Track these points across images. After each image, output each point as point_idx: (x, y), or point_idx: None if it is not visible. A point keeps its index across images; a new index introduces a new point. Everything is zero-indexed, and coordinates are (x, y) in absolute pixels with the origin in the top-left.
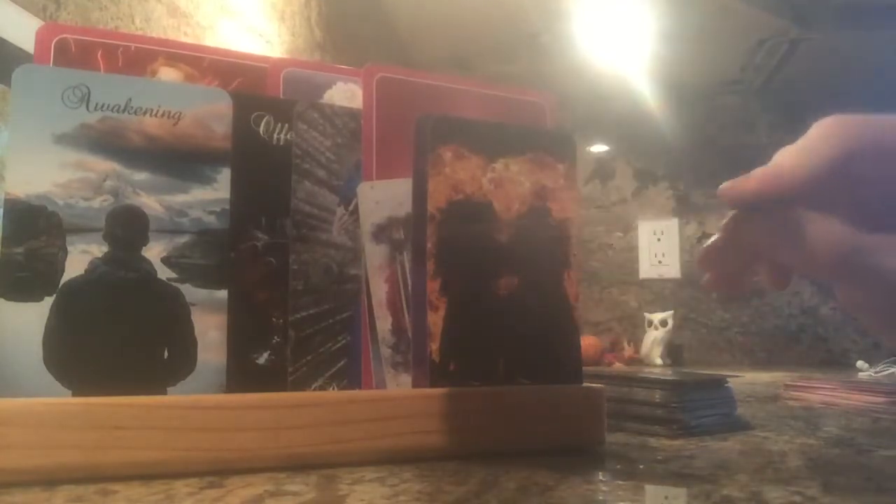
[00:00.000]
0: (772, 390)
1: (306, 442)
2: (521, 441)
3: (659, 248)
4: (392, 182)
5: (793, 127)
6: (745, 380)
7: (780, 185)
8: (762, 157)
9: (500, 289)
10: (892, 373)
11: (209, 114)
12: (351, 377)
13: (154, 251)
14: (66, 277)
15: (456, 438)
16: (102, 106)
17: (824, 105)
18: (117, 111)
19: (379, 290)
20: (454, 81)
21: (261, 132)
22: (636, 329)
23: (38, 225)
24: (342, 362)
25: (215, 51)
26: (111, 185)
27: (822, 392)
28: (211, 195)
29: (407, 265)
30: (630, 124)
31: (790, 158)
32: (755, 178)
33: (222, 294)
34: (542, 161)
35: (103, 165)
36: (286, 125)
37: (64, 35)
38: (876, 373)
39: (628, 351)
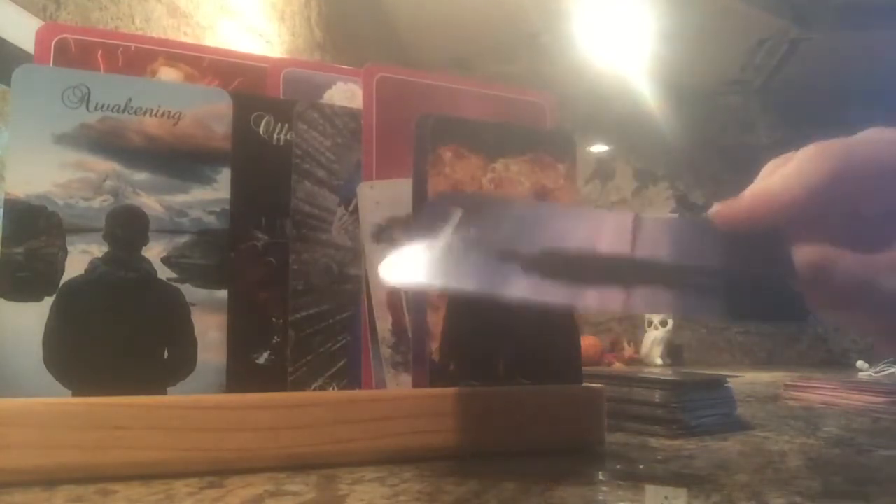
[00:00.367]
0: (772, 390)
1: (306, 442)
2: (521, 441)
3: None
4: (392, 182)
5: (793, 127)
6: (745, 380)
7: (773, 207)
8: (762, 157)
9: None
10: (892, 373)
11: (209, 114)
12: (351, 377)
13: (154, 251)
14: (66, 277)
15: (456, 438)
16: (102, 106)
17: (824, 105)
18: (117, 111)
19: (379, 290)
20: (454, 81)
21: (261, 132)
22: (636, 329)
23: (38, 225)
24: (342, 362)
25: (215, 51)
26: (111, 185)
27: (822, 392)
28: (211, 195)
29: None
30: (630, 124)
31: (781, 180)
32: (747, 201)
33: (222, 294)
34: (542, 161)
35: (103, 165)
36: (286, 125)
37: (64, 35)
38: (876, 373)
39: (628, 351)
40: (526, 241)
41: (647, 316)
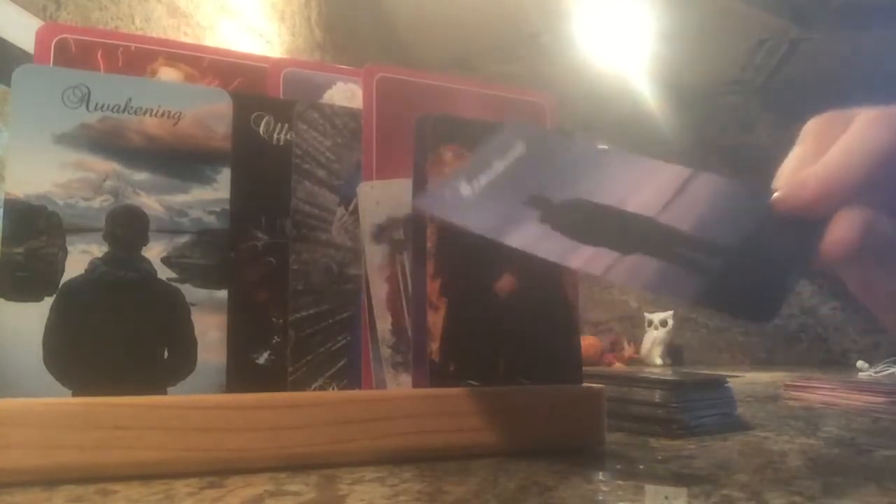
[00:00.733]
0: (772, 390)
1: (306, 442)
2: (521, 441)
3: None
4: (392, 182)
5: (793, 127)
6: (745, 380)
7: (843, 189)
8: (762, 156)
9: (500, 289)
10: (892, 373)
11: (209, 114)
12: (351, 377)
13: (154, 251)
14: (66, 277)
15: (456, 438)
16: (102, 106)
17: (824, 105)
18: (117, 111)
19: (379, 290)
20: (454, 81)
21: (261, 132)
22: (636, 329)
23: (38, 225)
24: (342, 362)
25: (215, 51)
26: (111, 185)
27: (822, 392)
28: (211, 195)
29: (407, 265)
30: (630, 124)
31: (843, 157)
32: (814, 187)
33: (222, 294)
34: None
35: (103, 165)
36: (286, 125)
37: (64, 35)
38: (876, 373)
39: (628, 351)
40: (565, 186)
41: (648, 316)
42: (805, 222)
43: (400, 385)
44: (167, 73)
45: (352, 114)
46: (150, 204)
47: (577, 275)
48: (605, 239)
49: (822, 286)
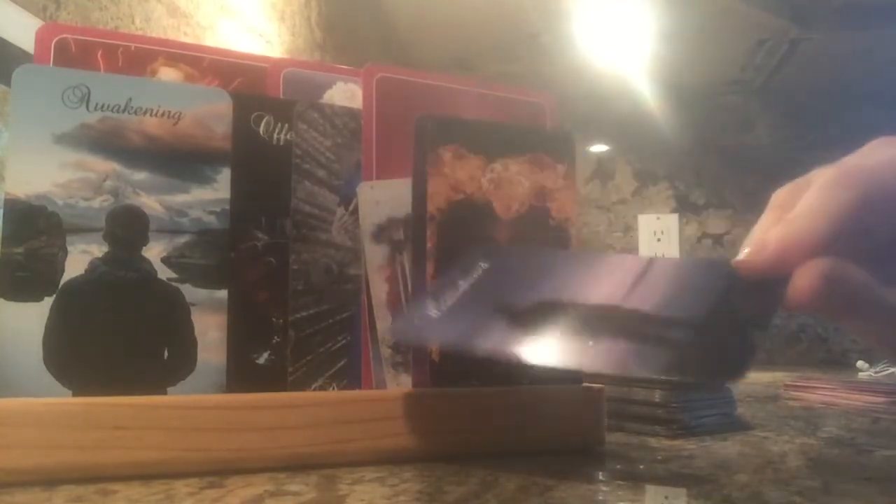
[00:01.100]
0: (772, 390)
1: (306, 442)
2: (521, 441)
3: (659, 248)
4: (392, 182)
5: (792, 127)
6: (745, 380)
7: (802, 250)
8: (762, 157)
9: None
10: (892, 373)
11: (209, 114)
12: (351, 377)
13: (154, 251)
14: (66, 277)
15: (456, 438)
16: (102, 106)
17: (824, 105)
18: (117, 111)
19: (379, 290)
20: (454, 81)
21: (261, 132)
22: None
23: (38, 225)
24: (342, 362)
25: (215, 51)
26: (111, 185)
27: (822, 392)
28: (211, 195)
29: (407, 265)
30: (630, 124)
31: (804, 220)
32: (774, 248)
33: (222, 294)
34: (542, 161)
35: (103, 165)
36: (286, 125)
37: (64, 35)
38: (876, 373)
39: None
40: (530, 291)
41: None
42: (768, 282)
43: (400, 385)
44: (167, 73)
45: (352, 114)
46: (150, 204)
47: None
48: (573, 331)
49: None
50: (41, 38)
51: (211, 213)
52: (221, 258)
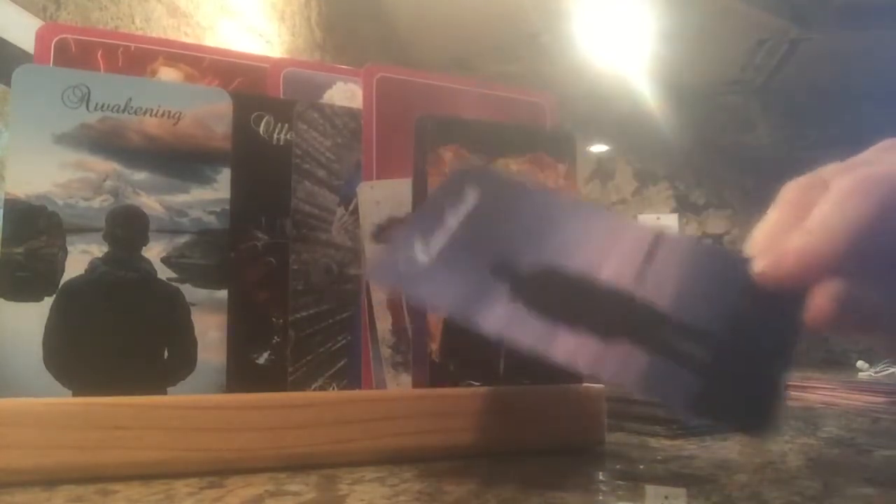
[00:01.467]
0: None
1: (306, 442)
2: (521, 441)
3: None
4: (392, 182)
5: (793, 127)
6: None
7: (823, 262)
8: (762, 157)
9: None
10: (892, 373)
11: (209, 114)
12: (351, 377)
13: (154, 251)
14: (66, 277)
15: (456, 438)
16: (102, 106)
17: (824, 105)
18: (117, 111)
19: (379, 290)
20: (454, 81)
21: (261, 132)
22: None
23: (38, 225)
24: (342, 362)
25: (215, 51)
26: (111, 185)
27: (822, 392)
28: (211, 195)
29: None
30: (630, 124)
31: (823, 230)
32: (793, 260)
33: (222, 294)
34: (542, 161)
35: (103, 165)
36: (286, 125)
37: (64, 35)
38: (876, 373)
39: None
40: (529, 246)
41: None
42: (784, 296)
43: (400, 385)
44: (167, 73)
45: (352, 114)
46: (150, 204)
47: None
48: (585, 320)
49: None
50: (41, 38)
51: (211, 213)
52: (221, 258)
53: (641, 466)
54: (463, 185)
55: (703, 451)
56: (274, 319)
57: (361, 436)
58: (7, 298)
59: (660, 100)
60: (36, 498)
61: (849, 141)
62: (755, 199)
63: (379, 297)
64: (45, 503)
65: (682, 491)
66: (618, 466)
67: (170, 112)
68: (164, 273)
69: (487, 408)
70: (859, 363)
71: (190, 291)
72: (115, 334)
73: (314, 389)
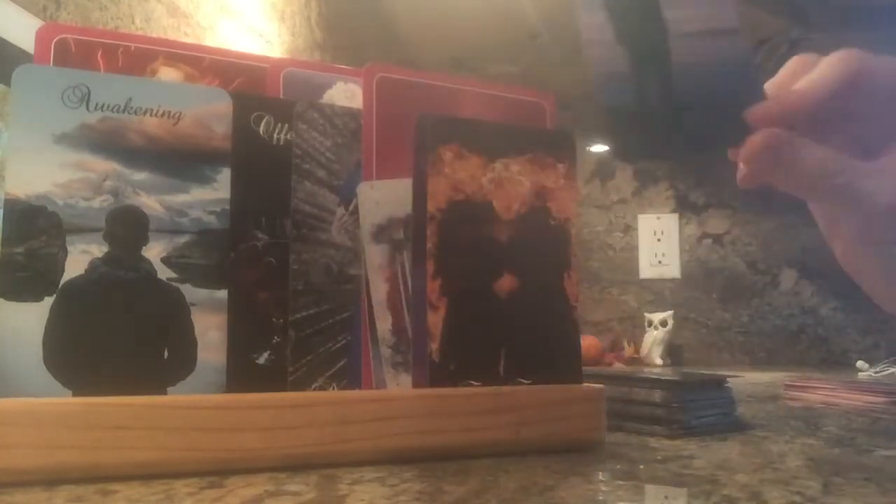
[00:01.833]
0: (772, 390)
1: (306, 442)
2: (521, 441)
3: (659, 248)
4: (392, 182)
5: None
6: (745, 380)
7: (795, 104)
8: None
9: (500, 289)
10: (892, 373)
11: (209, 114)
12: (351, 377)
13: (154, 251)
14: (66, 277)
15: (456, 438)
16: (102, 106)
17: None
18: (117, 111)
19: (379, 290)
20: (454, 81)
21: (261, 132)
22: (636, 329)
23: (38, 225)
24: (342, 362)
25: (215, 51)
26: (111, 185)
27: (822, 392)
28: (211, 195)
29: (407, 265)
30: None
31: (807, 81)
32: (777, 101)
33: (222, 294)
34: (542, 161)
35: (103, 165)
36: (286, 125)
37: (64, 35)
38: (876, 373)
39: (628, 351)
40: None
41: (648, 316)
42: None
43: (400, 385)
44: (167, 73)
45: (352, 114)
46: (150, 204)
47: (577, 275)
48: None
49: (822, 286)
50: (41, 38)
51: (211, 213)
52: (221, 258)
53: (641, 466)
54: None
55: (703, 451)
56: (274, 319)
57: (361, 436)
58: (7, 298)
59: (660, 99)
60: (36, 498)
61: None
62: (755, 199)
63: (379, 297)
64: (45, 503)
65: (682, 491)
66: (618, 466)
67: (170, 112)
68: (164, 273)
69: (487, 408)
70: (859, 363)
71: (190, 291)
72: (115, 334)
73: (314, 389)
